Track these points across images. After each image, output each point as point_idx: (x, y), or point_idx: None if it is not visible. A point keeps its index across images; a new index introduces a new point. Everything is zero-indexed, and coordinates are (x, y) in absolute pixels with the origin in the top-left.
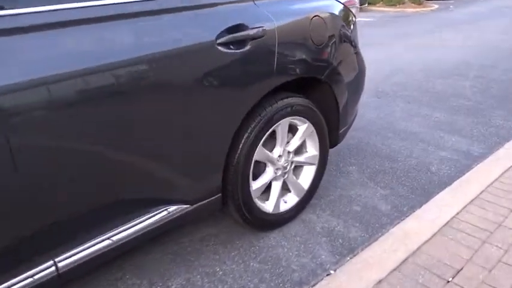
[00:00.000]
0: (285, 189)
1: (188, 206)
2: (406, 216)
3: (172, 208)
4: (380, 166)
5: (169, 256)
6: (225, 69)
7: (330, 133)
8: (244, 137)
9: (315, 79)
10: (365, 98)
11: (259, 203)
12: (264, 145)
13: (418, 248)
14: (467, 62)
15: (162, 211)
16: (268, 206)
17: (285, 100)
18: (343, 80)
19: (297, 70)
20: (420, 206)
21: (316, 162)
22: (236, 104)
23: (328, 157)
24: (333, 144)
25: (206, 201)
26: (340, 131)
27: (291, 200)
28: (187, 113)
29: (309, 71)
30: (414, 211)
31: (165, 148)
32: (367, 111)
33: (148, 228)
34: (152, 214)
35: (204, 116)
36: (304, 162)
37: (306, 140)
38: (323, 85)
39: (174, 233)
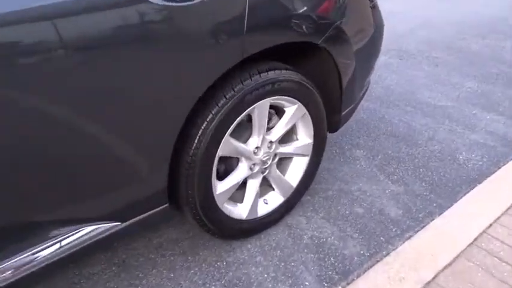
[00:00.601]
0: (268, 185)
1: (117, 223)
2: (422, 227)
3: (91, 228)
4: (394, 151)
5: (114, 269)
6: (163, 32)
7: (330, 115)
8: (202, 126)
9: (309, 44)
10: (384, 58)
11: (228, 207)
12: (236, 134)
13: (434, 278)
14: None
15: (76, 233)
16: (241, 211)
17: (264, 75)
18: (351, 45)
19: (281, 33)
20: (440, 213)
21: (310, 152)
22: (184, 81)
23: (330, 137)
24: (334, 128)
25: (144, 215)
26: (344, 112)
27: (274, 200)
28: (106, 94)
29: (299, 33)
30: (432, 219)
31: (75, 142)
32: (385, 76)
33: (55, 258)
34: (61, 238)
35: (133, 97)
36: (292, 154)
37: (296, 125)
38: (321, 52)
39: None
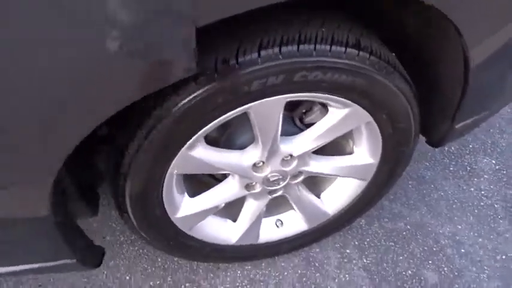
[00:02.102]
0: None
1: None
2: None
3: None
4: None
5: None
6: None
7: (432, 119)
8: (137, 133)
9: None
10: None
11: (206, 224)
12: (220, 133)
13: None
14: None
15: None
16: (230, 233)
17: (269, 53)
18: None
19: None
20: None
21: (369, 177)
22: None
23: None
24: (436, 142)
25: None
26: (461, 123)
27: (292, 224)
28: None
29: None
30: None
31: None
32: None
33: None
34: None
35: None
36: (335, 175)
37: (355, 132)
38: (427, 15)
39: None
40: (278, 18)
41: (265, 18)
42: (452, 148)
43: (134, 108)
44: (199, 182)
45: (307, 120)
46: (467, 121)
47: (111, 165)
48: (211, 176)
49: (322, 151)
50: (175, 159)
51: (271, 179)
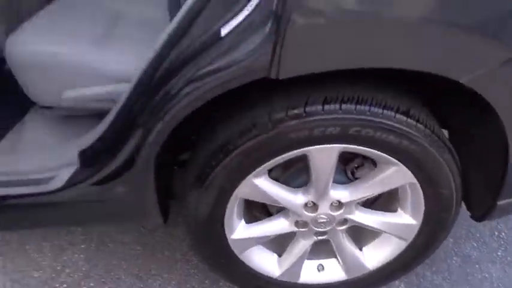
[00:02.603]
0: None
1: None
2: None
3: None
4: None
5: None
6: None
7: (476, 194)
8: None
9: (441, 79)
10: None
11: (253, 255)
12: (285, 174)
13: None
14: None
15: None
16: (274, 266)
17: (330, 107)
18: None
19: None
20: None
21: (410, 237)
22: None
23: None
24: (480, 216)
25: None
26: (504, 201)
27: (332, 271)
28: None
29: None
30: None
31: None
32: None
33: None
34: None
35: None
36: (377, 229)
37: (400, 192)
38: (468, 95)
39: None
40: (343, 79)
41: (332, 77)
42: (503, 234)
43: (218, 137)
44: (256, 217)
45: (358, 174)
46: (511, 199)
47: (191, 178)
48: (267, 213)
49: (372, 206)
50: (241, 183)
51: (319, 221)
